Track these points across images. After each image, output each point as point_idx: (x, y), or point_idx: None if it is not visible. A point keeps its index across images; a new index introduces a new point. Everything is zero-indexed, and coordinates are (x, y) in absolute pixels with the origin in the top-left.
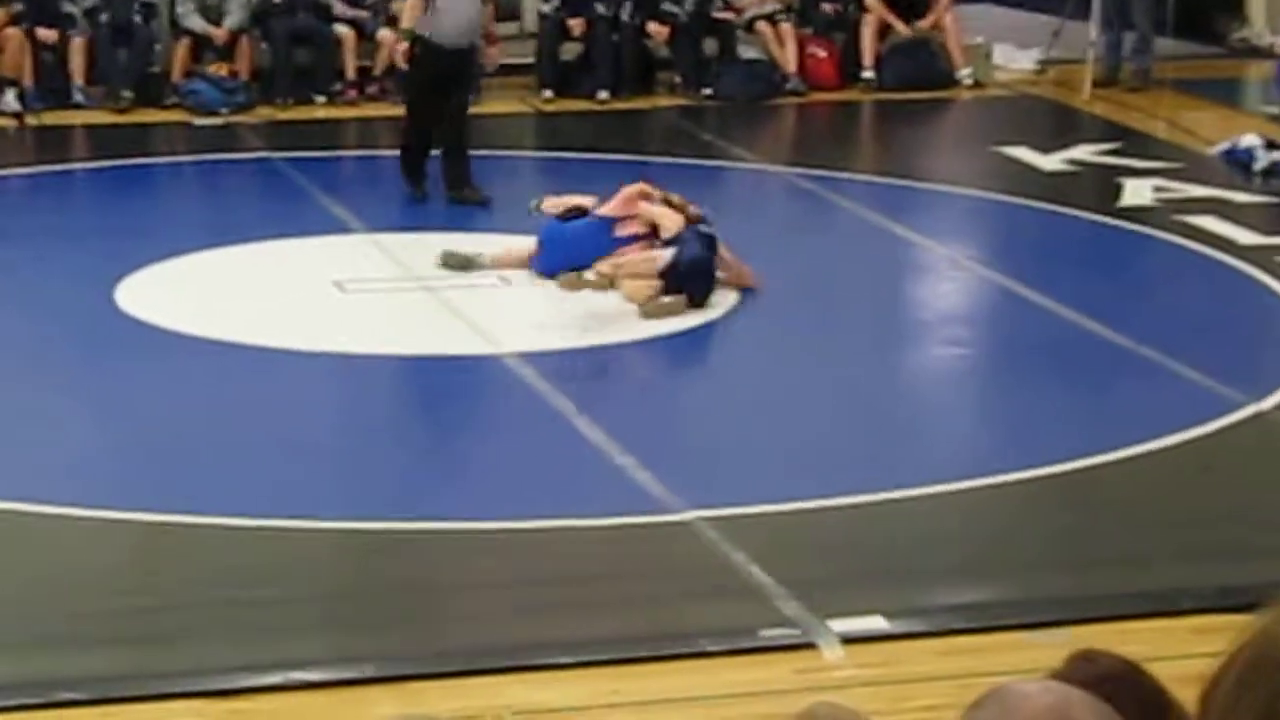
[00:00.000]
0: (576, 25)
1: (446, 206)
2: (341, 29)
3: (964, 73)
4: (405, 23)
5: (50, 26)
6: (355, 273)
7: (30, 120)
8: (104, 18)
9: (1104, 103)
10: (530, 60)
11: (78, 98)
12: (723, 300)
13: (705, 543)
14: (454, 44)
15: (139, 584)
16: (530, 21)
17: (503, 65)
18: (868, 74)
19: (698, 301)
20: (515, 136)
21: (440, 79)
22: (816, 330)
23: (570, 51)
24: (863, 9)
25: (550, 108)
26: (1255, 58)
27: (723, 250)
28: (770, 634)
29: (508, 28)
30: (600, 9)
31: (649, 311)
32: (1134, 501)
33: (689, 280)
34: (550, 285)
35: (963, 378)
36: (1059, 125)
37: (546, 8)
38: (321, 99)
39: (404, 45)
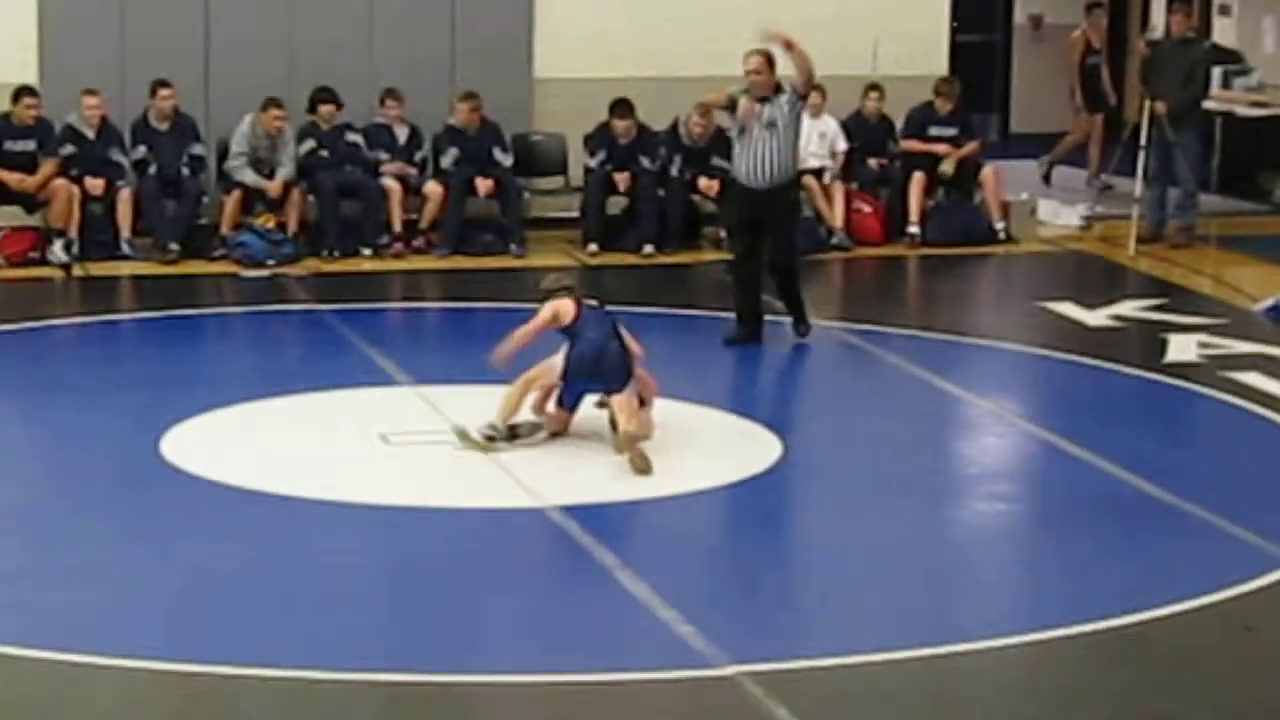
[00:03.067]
0: (622, 180)
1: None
2: (388, 182)
3: (999, 226)
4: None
5: (97, 176)
6: (400, 425)
7: (77, 271)
8: (152, 169)
9: (1148, 259)
10: (575, 214)
11: (125, 249)
12: (765, 456)
13: (749, 699)
14: (758, 185)
15: None
16: (576, 175)
17: (548, 218)
18: (913, 229)
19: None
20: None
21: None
22: (861, 485)
23: (615, 205)
24: (910, 167)
25: (595, 261)
26: None
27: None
28: None
29: (553, 181)
30: (646, 163)
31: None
32: (1180, 659)
33: (594, 371)
34: (596, 440)
35: (1005, 533)
36: (1104, 281)
37: (593, 162)
38: (368, 252)
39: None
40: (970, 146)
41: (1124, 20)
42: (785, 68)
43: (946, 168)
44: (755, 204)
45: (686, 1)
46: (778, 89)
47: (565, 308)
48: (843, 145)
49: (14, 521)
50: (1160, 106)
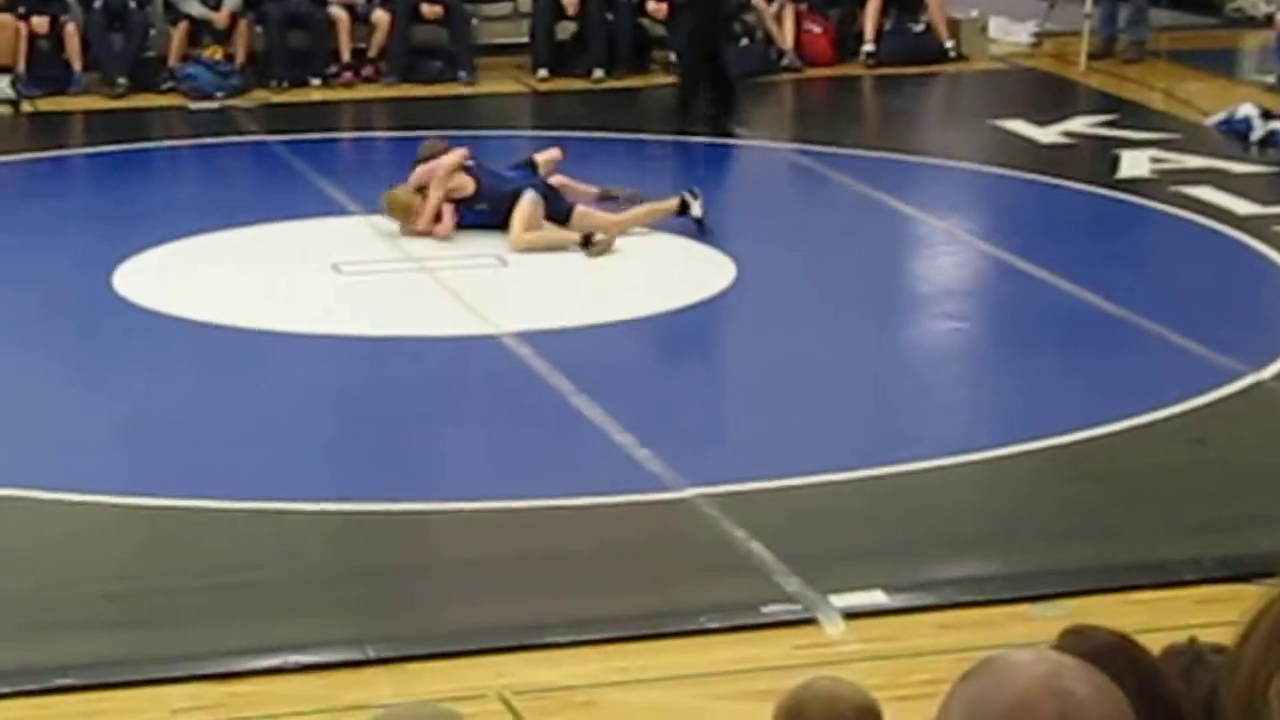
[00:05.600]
0: (571, 4)
1: None
2: (336, 11)
3: (949, 45)
4: None
5: (43, 13)
6: (352, 255)
7: (25, 107)
8: (98, 3)
9: (1100, 75)
10: (525, 40)
11: (73, 83)
12: (718, 280)
13: (705, 520)
14: None
15: (133, 568)
16: (525, 1)
17: (497, 44)
18: (869, 47)
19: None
20: (510, 116)
21: None
22: (814, 306)
23: (565, 31)
24: None
25: (545, 87)
26: (1251, 27)
27: None
28: (771, 610)
29: (502, 7)
30: None
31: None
32: (1134, 473)
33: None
34: (549, 264)
35: (960, 352)
36: (1055, 98)
37: None
38: (317, 82)
39: None
40: None
41: None
42: None
43: None
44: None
45: None
46: None
47: (463, 183)
48: None
49: None
50: None
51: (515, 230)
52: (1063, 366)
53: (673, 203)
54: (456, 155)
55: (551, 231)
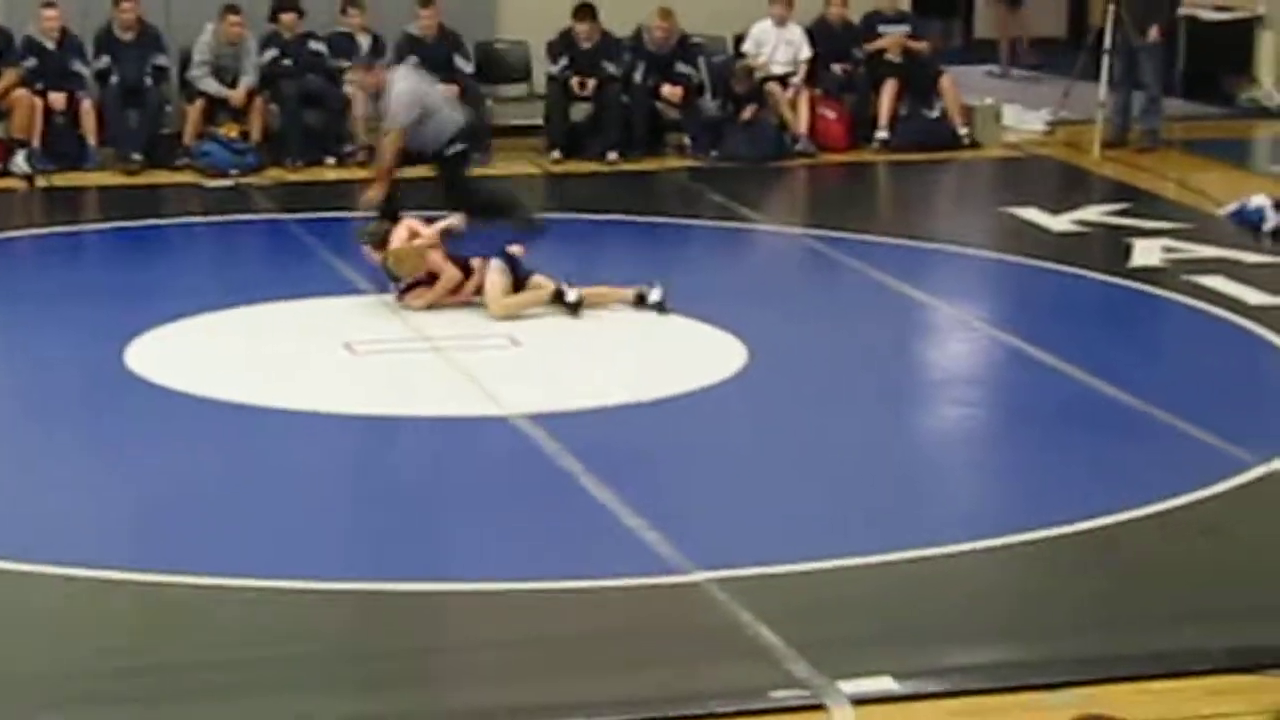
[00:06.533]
0: (584, 84)
1: None
2: (351, 90)
3: (963, 132)
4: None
5: (60, 88)
6: (364, 334)
7: (40, 182)
8: (114, 79)
9: (1113, 163)
10: (539, 122)
11: (88, 159)
12: (730, 363)
13: (715, 604)
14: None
15: (143, 644)
16: (540, 83)
17: (512, 126)
18: (882, 133)
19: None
20: (524, 198)
21: None
22: (826, 391)
23: (580, 112)
24: (880, 73)
25: (558, 169)
26: (1264, 118)
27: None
28: (780, 695)
29: (517, 89)
30: (610, 70)
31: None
32: (1145, 562)
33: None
34: (560, 344)
35: (971, 438)
36: (1068, 186)
37: (555, 68)
38: (331, 160)
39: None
40: (921, 44)
41: None
42: None
43: (893, 55)
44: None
45: None
46: None
47: (448, 271)
48: (807, 53)
49: None
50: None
51: (493, 298)
52: (1074, 454)
53: (629, 293)
54: (433, 232)
55: (527, 294)
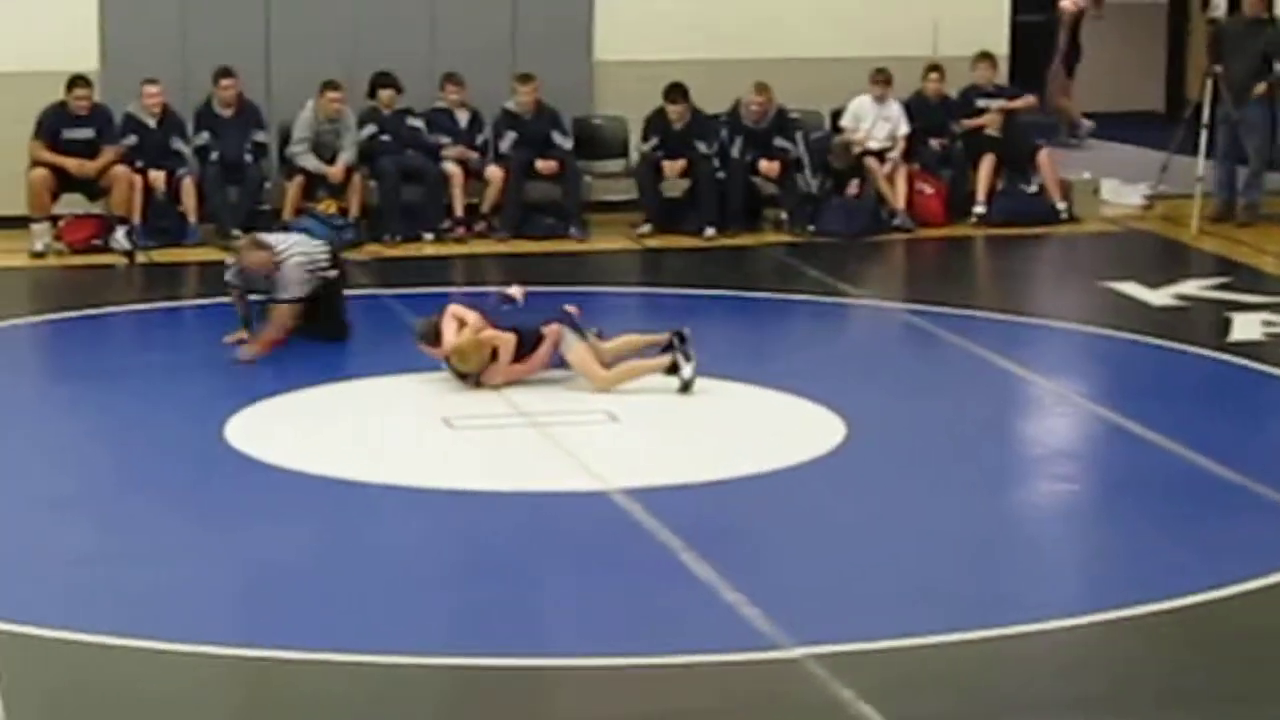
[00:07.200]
0: (675, 166)
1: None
2: (450, 167)
3: (1061, 206)
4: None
5: (160, 165)
6: (463, 409)
7: (140, 258)
8: (214, 156)
9: (1212, 237)
10: (636, 197)
11: (188, 235)
12: (828, 438)
13: (814, 680)
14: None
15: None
16: (637, 158)
17: (610, 201)
18: (980, 208)
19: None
20: (620, 273)
21: None
22: (924, 466)
23: (676, 188)
24: (978, 148)
25: (655, 244)
26: None
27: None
28: None
29: (614, 164)
30: (702, 147)
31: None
32: (1246, 639)
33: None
34: (659, 420)
35: (1070, 513)
36: (1167, 260)
37: (645, 147)
38: (429, 236)
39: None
40: (1023, 100)
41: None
42: None
43: (992, 130)
44: None
45: None
46: None
47: (502, 338)
48: (905, 129)
49: (82, 508)
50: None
51: (590, 373)
52: (1173, 529)
53: (663, 361)
54: (478, 316)
55: (635, 364)
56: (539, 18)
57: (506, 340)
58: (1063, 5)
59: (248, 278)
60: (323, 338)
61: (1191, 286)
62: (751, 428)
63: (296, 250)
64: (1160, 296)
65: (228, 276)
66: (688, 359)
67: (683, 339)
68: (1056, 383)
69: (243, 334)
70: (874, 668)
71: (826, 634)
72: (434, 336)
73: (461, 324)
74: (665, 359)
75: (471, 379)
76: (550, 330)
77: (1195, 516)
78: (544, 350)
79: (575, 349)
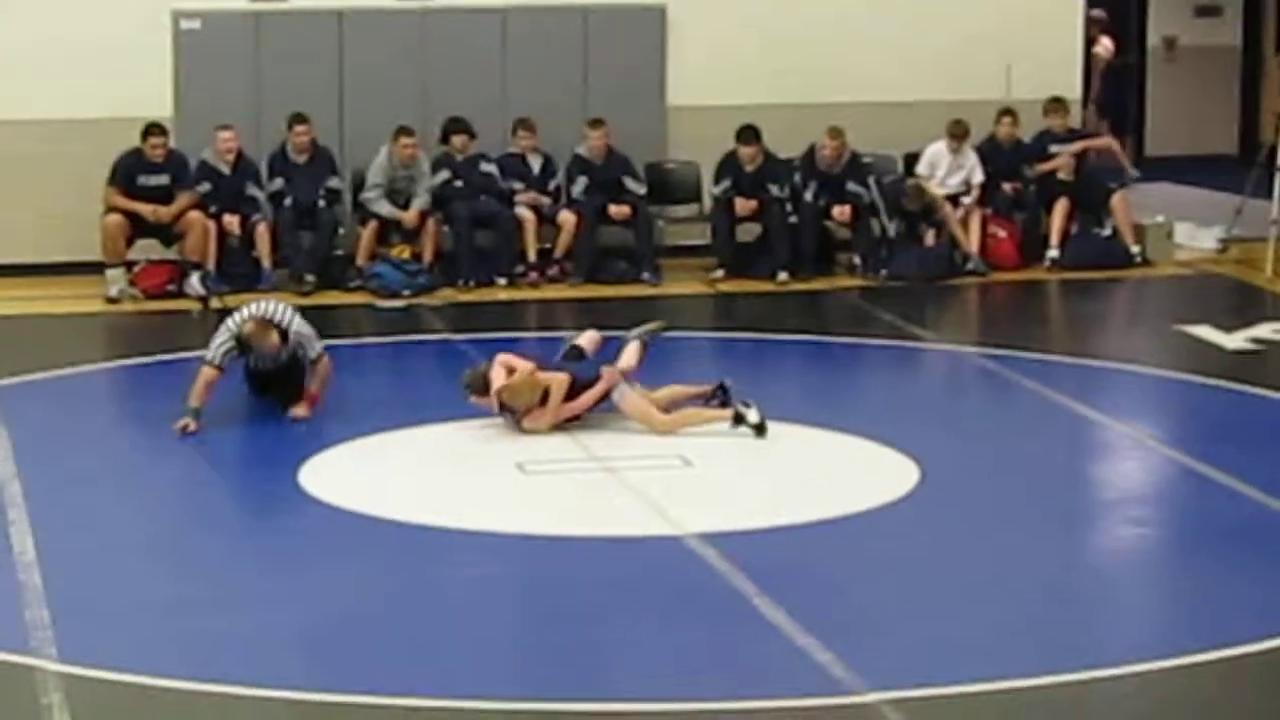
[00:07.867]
0: (747, 208)
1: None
2: (523, 212)
3: (1134, 250)
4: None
5: (235, 211)
6: (536, 454)
7: (214, 303)
8: (288, 201)
9: None
10: (709, 241)
11: (262, 281)
12: (902, 483)
13: None
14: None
15: None
16: (709, 203)
17: (683, 246)
18: (1053, 252)
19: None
20: (693, 317)
21: None
22: (998, 510)
23: (748, 233)
24: (1052, 193)
25: (728, 288)
26: None
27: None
28: None
29: (687, 209)
30: (774, 191)
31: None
32: None
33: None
34: (731, 464)
35: (1145, 558)
36: (1242, 303)
37: (717, 190)
38: (503, 281)
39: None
40: (1102, 141)
41: (1259, 40)
42: None
43: (1064, 174)
44: None
45: (819, 28)
46: None
47: (556, 379)
48: (979, 177)
49: (160, 552)
50: None
51: (645, 418)
52: (1248, 573)
53: (727, 413)
54: (527, 364)
55: (697, 411)
56: (612, 64)
57: (560, 381)
58: (1096, 51)
59: (260, 356)
60: (283, 405)
61: (1266, 330)
62: (825, 472)
63: (286, 311)
64: (1235, 340)
65: (217, 361)
66: (747, 405)
67: (725, 390)
68: (1131, 427)
69: (189, 422)
70: (949, 713)
71: (901, 679)
72: (482, 386)
73: (510, 372)
74: (726, 411)
75: (517, 417)
76: (608, 373)
77: (1270, 560)
78: (596, 390)
79: (629, 396)
